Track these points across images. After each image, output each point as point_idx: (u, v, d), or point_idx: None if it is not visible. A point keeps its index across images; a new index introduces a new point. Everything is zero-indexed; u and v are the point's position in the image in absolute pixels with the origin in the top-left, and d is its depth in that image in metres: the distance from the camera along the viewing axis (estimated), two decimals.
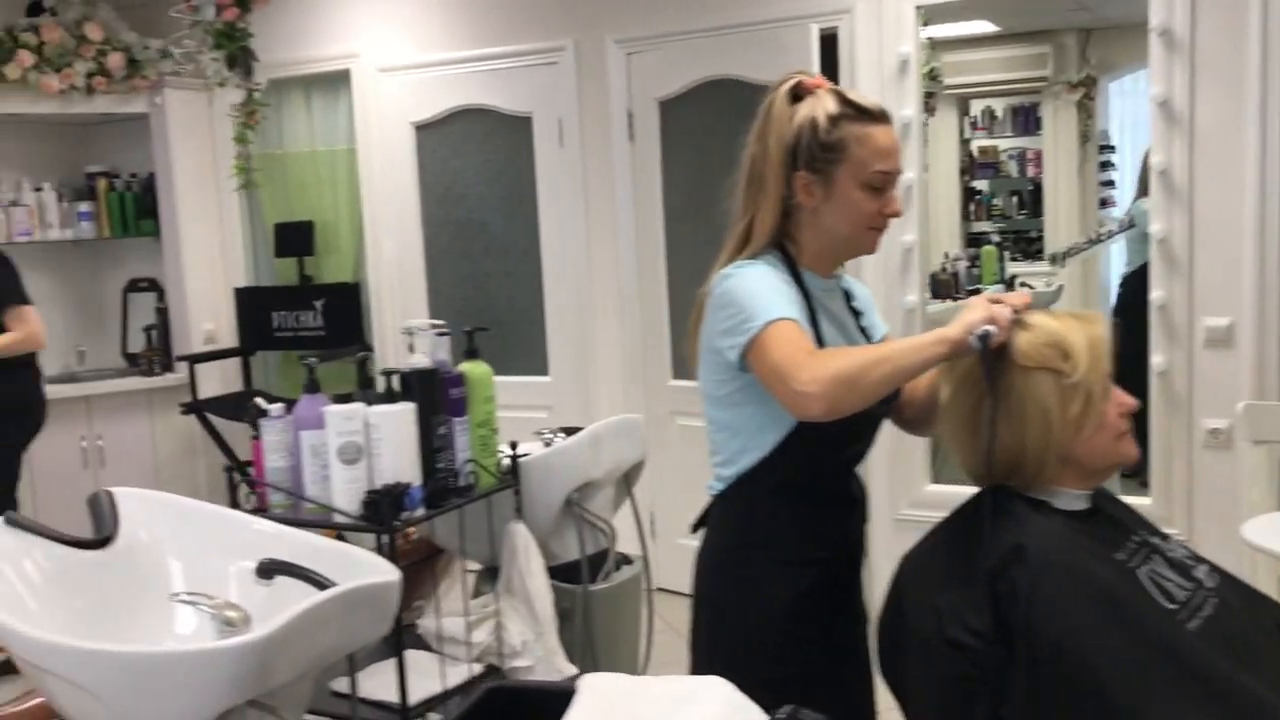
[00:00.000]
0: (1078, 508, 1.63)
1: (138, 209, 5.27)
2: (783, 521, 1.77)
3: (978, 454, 1.63)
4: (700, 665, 1.85)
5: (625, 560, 2.68)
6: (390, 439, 2.11)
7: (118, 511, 2.00)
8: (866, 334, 1.89)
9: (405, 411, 2.13)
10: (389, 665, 2.24)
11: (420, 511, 2.15)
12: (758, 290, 1.68)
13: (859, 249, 1.81)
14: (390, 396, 2.16)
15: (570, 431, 2.62)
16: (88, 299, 5.46)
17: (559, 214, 4.52)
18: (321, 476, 2.15)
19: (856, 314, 1.90)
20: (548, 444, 2.54)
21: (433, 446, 2.19)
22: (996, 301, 1.59)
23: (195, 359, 5.01)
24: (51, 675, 1.66)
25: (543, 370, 4.65)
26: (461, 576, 2.68)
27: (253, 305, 5.20)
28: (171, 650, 1.57)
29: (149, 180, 5.26)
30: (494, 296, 4.77)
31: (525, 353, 4.62)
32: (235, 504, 2.24)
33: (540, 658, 2.33)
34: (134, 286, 5.49)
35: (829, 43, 3.91)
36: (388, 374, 2.20)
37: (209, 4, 3.44)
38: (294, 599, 1.83)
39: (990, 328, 1.55)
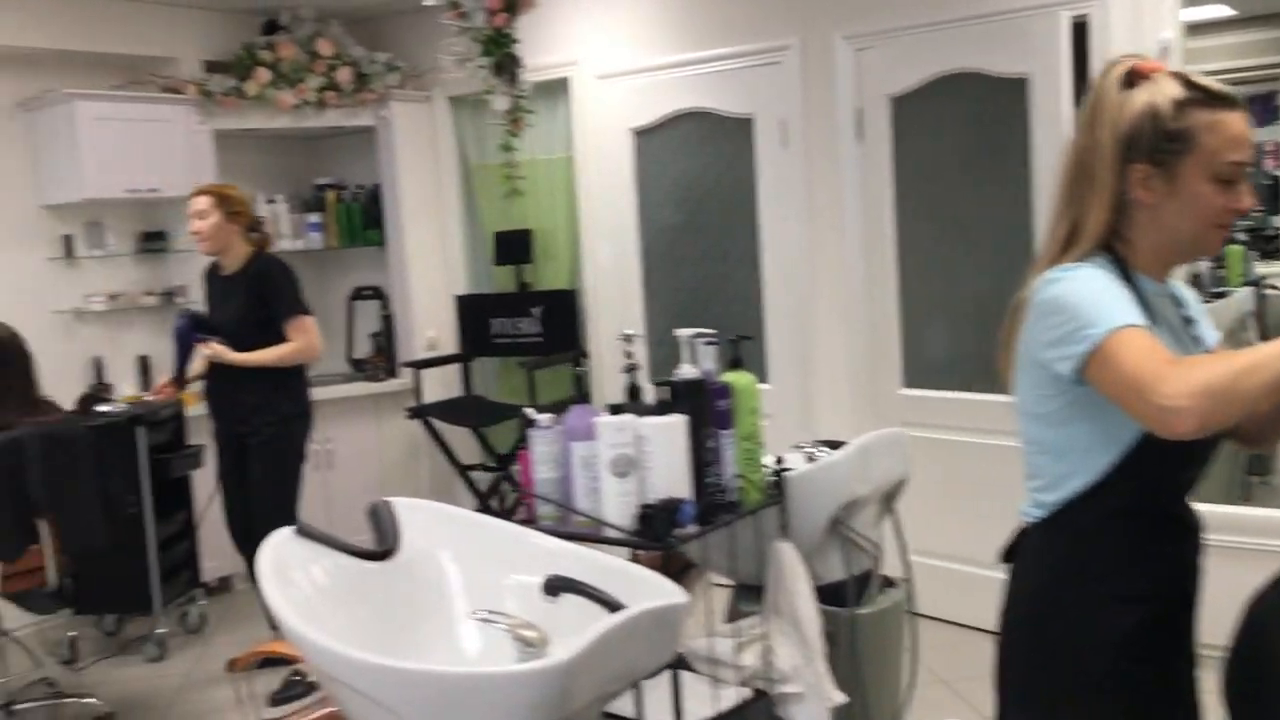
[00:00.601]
0: None
1: (364, 219, 5.43)
2: (1114, 552, 1.60)
3: None
4: (1012, 707, 1.69)
5: (887, 583, 2.54)
6: (662, 452, 2.03)
7: (398, 523, 2.00)
8: (1197, 343, 1.70)
9: (677, 424, 2.05)
10: (651, 686, 2.16)
11: (692, 528, 2.06)
12: (1093, 295, 1.52)
13: (1202, 249, 1.63)
14: (661, 408, 2.09)
15: (833, 445, 2.49)
16: (315, 307, 5.63)
17: (781, 217, 4.41)
18: (591, 489, 2.09)
19: (1187, 321, 1.71)
20: (810, 458, 2.43)
21: (702, 460, 2.10)
22: None
23: (420, 365, 5.11)
24: (347, 687, 1.65)
25: (761, 378, 4.54)
26: (710, 594, 2.59)
27: (473, 312, 5.28)
28: (481, 671, 1.53)
29: (374, 191, 5.41)
30: (711, 302, 4.68)
31: (744, 360, 4.51)
32: (502, 513, 2.21)
33: (810, 684, 2.21)
34: (358, 294, 5.66)
35: (1078, 31, 3.67)
36: (659, 384, 2.12)
37: (478, 10, 3.46)
38: (573, 617, 1.78)
39: None
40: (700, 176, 4.64)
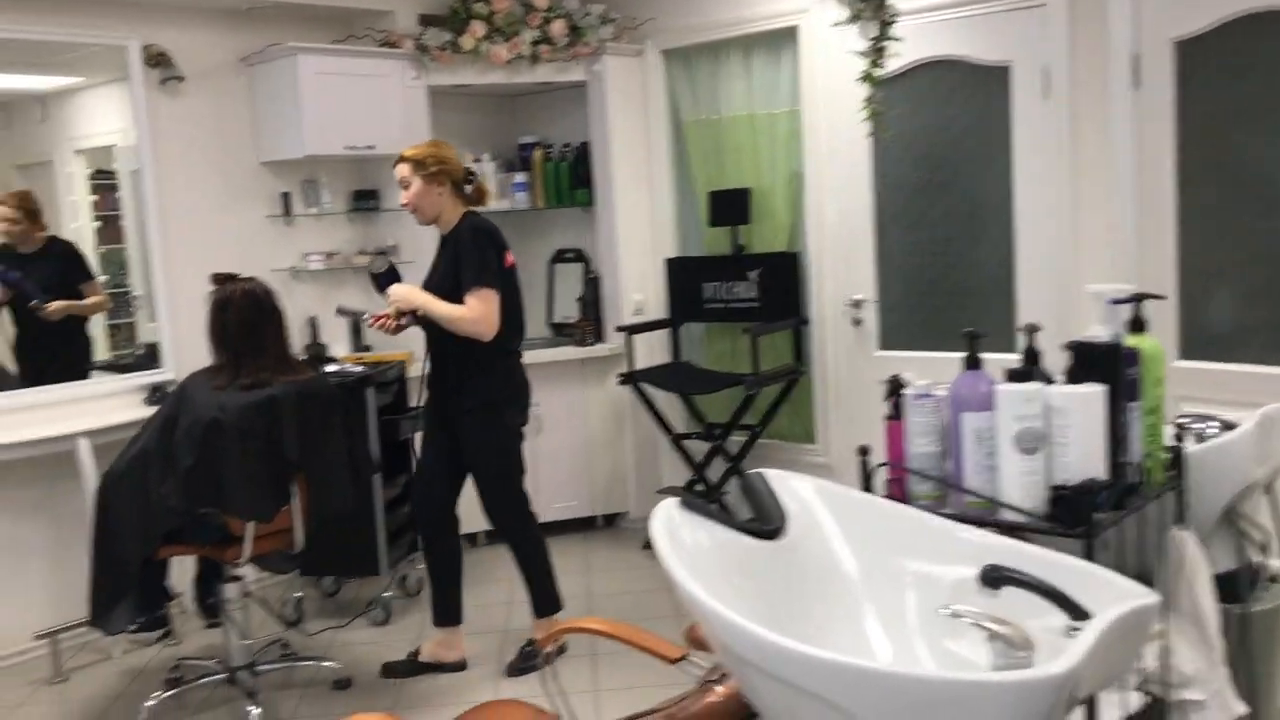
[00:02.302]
0: None
1: (571, 179, 5.26)
2: None
3: None
4: None
5: (1272, 577, 2.26)
6: (1079, 426, 1.79)
7: (779, 498, 1.80)
8: None
9: (1096, 395, 1.80)
10: None
11: (1106, 514, 1.82)
12: None
13: None
14: (1073, 375, 1.84)
15: (1217, 421, 2.22)
16: (521, 269, 5.49)
17: (1039, 173, 4.09)
18: (985, 466, 1.86)
19: None
20: (1200, 437, 2.15)
21: (1116, 436, 1.85)
22: None
23: (633, 329, 4.94)
24: (773, 678, 1.45)
25: (1009, 347, 4.23)
26: None
27: (684, 276, 5.08)
28: (977, 679, 1.32)
29: (580, 150, 5.24)
30: (954, 265, 4.39)
31: (990, 327, 4.21)
32: (867, 488, 1.99)
33: (1214, 691, 1.95)
34: (560, 257, 5.51)
35: None
36: (1073, 348, 1.87)
37: None
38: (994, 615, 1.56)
39: None
40: (945, 130, 4.33)
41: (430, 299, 3.60)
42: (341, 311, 4.39)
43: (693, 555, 1.70)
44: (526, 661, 3.78)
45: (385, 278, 3.78)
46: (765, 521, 1.77)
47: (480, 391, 3.68)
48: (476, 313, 3.53)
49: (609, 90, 5.02)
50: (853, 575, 1.76)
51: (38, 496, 4.14)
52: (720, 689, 1.87)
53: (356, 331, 4.98)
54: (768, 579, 1.74)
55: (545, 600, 3.84)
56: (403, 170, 3.67)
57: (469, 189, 3.74)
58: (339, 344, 4.95)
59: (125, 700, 3.71)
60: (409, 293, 3.65)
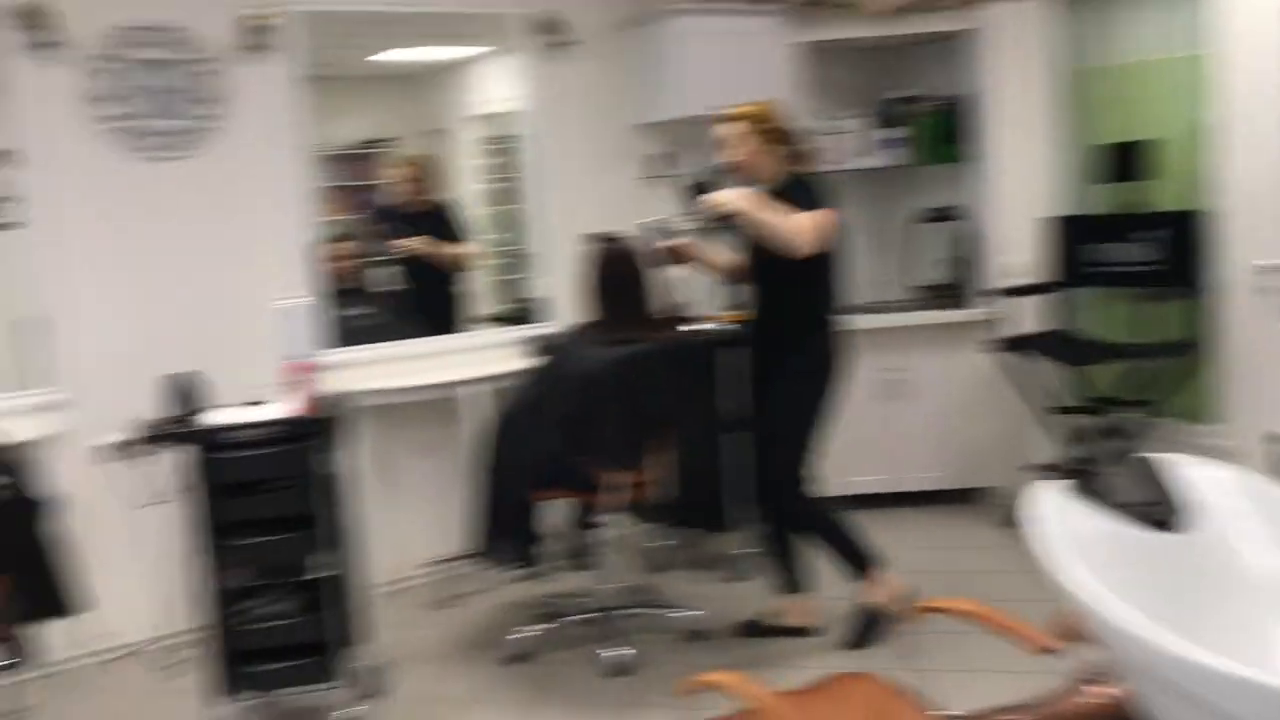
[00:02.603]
0: None
1: (944, 134, 5.02)
2: None
3: None
4: None
5: None
6: None
7: (1174, 486, 1.60)
8: None
9: None
10: None
11: None
12: None
13: None
14: None
15: None
16: (882, 228, 5.36)
17: None
18: None
19: None
20: None
21: None
22: None
23: (1011, 293, 4.65)
24: (1181, 696, 1.28)
25: None
26: None
27: (1069, 236, 4.70)
28: None
29: (958, 103, 4.97)
30: None
31: None
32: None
33: None
34: (931, 215, 5.28)
35: None
36: None
37: None
38: None
39: None
40: None
41: (756, 203, 3.38)
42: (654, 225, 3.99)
43: (1077, 544, 1.54)
44: (868, 631, 3.67)
45: (703, 188, 3.60)
46: (1158, 512, 1.57)
47: (801, 355, 3.62)
48: (804, 222, 3.36)
49: (995, 39, 4.74)
50: (1264, 578, 1.53)
51: (427, 438, 4.52)
52: (1094, 690, 1.71)
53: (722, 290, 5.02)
54: (1157, 575, 1.55)
55: (860, 561, 3.72)
56: (734, 128, 3.61)
57: (798, 150, 3.66)
58: (703, 303, 5.02)
59: (497, 630, 3.97)
60: (731, 195, 3.42)
